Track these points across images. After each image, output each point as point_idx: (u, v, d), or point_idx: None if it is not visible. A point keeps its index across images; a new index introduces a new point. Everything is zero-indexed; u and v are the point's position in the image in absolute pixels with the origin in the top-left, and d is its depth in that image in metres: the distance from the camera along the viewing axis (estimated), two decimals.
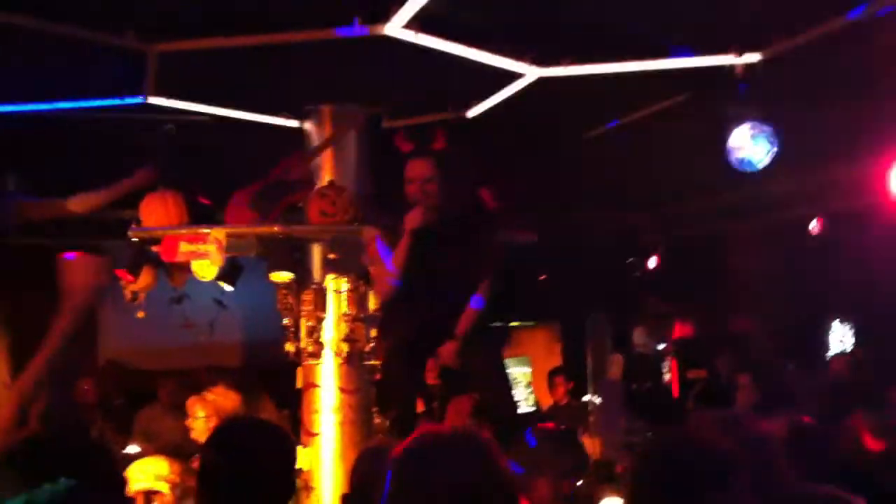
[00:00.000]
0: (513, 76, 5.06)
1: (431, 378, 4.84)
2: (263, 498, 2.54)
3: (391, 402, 4.58)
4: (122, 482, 2.17)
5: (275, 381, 7.57)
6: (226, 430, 2.79)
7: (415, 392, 4.68)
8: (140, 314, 5.54)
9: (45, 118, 5.59)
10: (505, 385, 4.78)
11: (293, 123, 5.81)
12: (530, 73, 4.97)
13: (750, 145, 4.70)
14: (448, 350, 4.49)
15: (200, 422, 5.28)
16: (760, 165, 4.77)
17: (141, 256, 5.29)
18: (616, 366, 5.97)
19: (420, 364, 4.65)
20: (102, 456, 2.06)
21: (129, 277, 5.28)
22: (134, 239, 5.28)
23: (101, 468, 2.00)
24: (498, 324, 4.79)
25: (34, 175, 7.12)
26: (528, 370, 9.19)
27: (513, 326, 10.17)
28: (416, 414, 4.57)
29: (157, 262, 5.40)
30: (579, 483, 4.30)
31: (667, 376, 8.45)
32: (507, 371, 4.79)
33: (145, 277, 5.42)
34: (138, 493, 3.93)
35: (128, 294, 5.49)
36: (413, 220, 4.38)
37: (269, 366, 7.48)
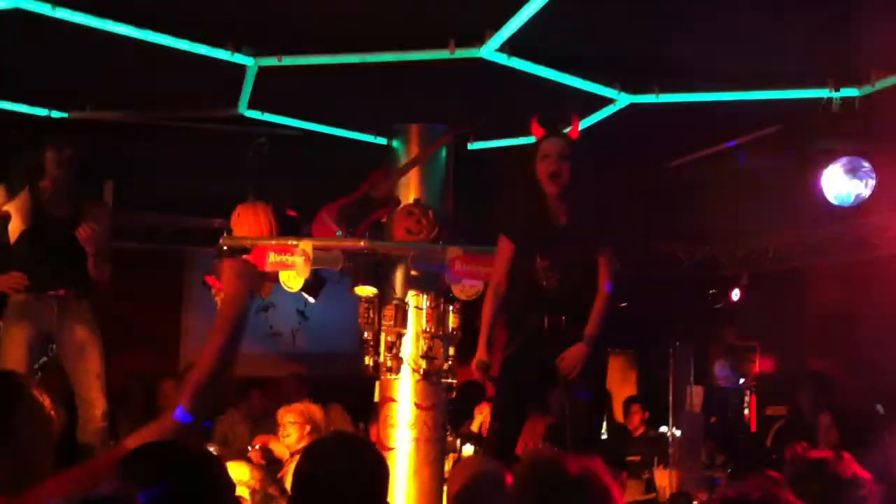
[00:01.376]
0: (603, 101, 5.07)
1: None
2: None
3: (495, 418, 4.47)
4: (232, 487, 2.20)
5: (350, 394, 7.70)
6: (323, 444, 2.80)
7: (523, 411, 4.54)
8: None
9: (141, 126, 5.78)
10: (600, 413, 4.67)
11: (382, 141, 5.90)
12: (621, 98, 4.98)
13: (845, 181, 4.63)
14: (574, 354, 4.23)
15: (294, 428, 5.41)
16: (855, 202, 4.69)
17: None
18: (696, 398, 5.89)
19: (532, 381, 4.44)
20: (213, 462, 2.12)
21: (220, 285, 5.41)
22: (224, 247, 5.41)
23: (214, 474, 2.05)
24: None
25: (131, 183, 7.40)
26: None
27: None
28: (517, 434, 4.46)
29: None
30: None
31: (746, 411, 8.30)
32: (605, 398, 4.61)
33: None
34: None
35: (218, 301, 5.61)
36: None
37: (346, 378, 7.62)
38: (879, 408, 6.67)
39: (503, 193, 4.83)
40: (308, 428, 5.28)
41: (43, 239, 4.97)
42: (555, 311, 4.29)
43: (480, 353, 4.32)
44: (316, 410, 5.47)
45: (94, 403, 5.04)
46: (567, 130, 4.38)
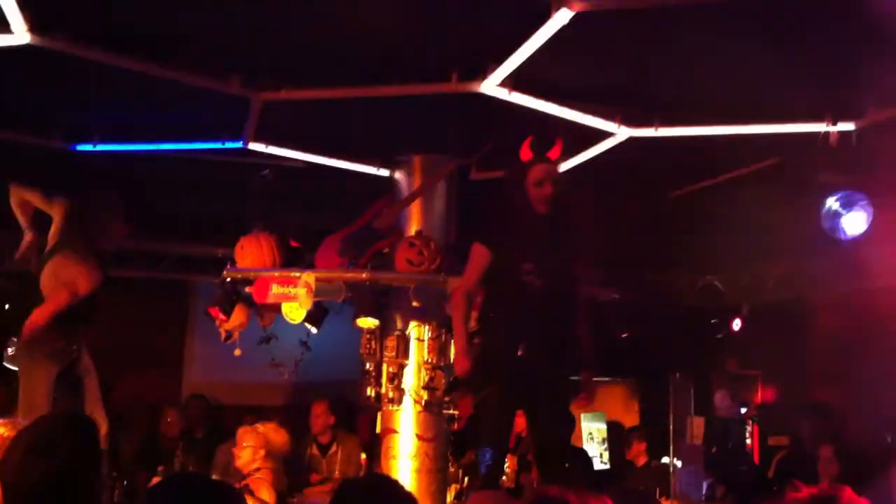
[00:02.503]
0: (603, 135, 5.12)
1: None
2: None
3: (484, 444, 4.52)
4: None
5: (352, 424, 7.70)
6: (354, 485, 2.79)
7: (508, 437, 4.61)
8: (237, 352, 5.68)
9: (147, 157, 5.83)
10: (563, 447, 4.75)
11: (384, 172, 5.95)
12: (620, 132, 5.02)
13: (843, 213, 4.66)
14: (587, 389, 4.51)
15: (248, 451, 5.34)
16: (853, 233, 4.72)
17: (232, 296, 5.45)
18: (697, 428, 5.88)
19: (517, 407, 4.59)
20: (229, 493, 2.16)
21: (223, 316, 5.44)
22: (227, 279, 5.45)
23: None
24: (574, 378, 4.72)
25: (134, 212, 7.44)
26: (603, 426, 9.10)
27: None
28: (504, 462, 4.53)
29: (248, 302, 5.56)
30: None
31: (748, 441, 8.27)
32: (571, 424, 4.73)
33: (238, 316, 5.58)
34: None
35: (223, 333, 5.65)
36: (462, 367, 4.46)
37: (347, 408, 7.63)
38: (889, 438, 6.65)
39: (486, 208, 4.93)
40: (262, 452, 5.20)
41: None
42: (542, 311, 4.37)
43: (464, 363, 4.39)
44: (276, 435, 5.37)
45: (100, 420, 5.06)
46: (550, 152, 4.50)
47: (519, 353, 4.32)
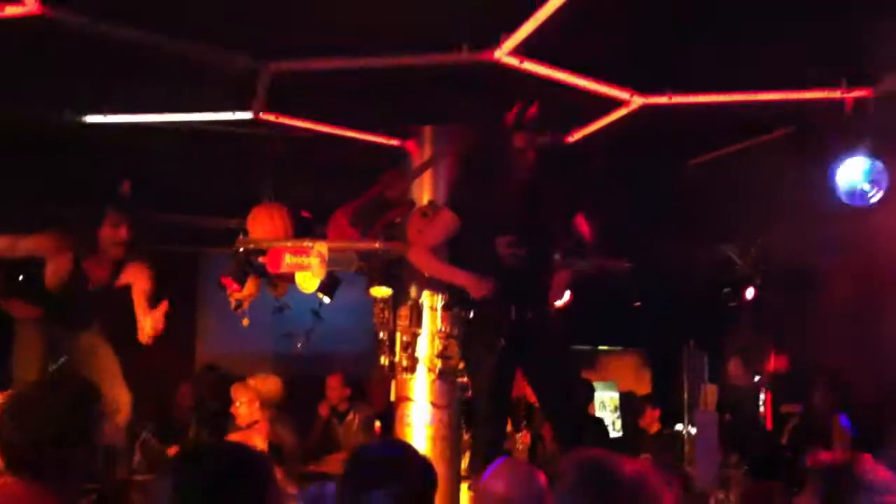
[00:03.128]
0: (616, 103, 5.09)
1: None
2: None
3: (481, 424, 4.60)
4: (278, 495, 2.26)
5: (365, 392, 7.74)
6: (366, 450, 2.79)
7: (506, 408, 4.68)
8: (245, 322, 5.72)
9: (158, 128, 5.83)
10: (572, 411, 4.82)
11: (395, 142, 5.93)
12: (633, 101, 4.99)
13: (858, 180, 4.64)
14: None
15: (244, 407, 5.39)
16: (868, 201, 4.70)
17: (246, 266, 5.46)
18: (710, 396, 5.90)
19: (511, 376, 4.64)
20: (251, 458, 2.17)
21: (236, 286, 5.46)
22: (240, 249, 5.45)
23: (262, 475, 2.11)
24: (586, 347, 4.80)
25: (147, 184, 7.45)
26: (615, 395, 9.14)
27: (601, 350, 10.13)
28: (504, 437, 4.59)
29: (260, 273, 5.58)
30: None
31: (761, 409, 8.30)
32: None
33: (250, 287, 5.60)
34: None
35: (233, 302, 5.67)
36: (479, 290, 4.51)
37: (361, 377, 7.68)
38: None
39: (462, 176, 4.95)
40: (256, 404, 5.27)
41: (74, 303, 5.23)
42: (521, 291, 4.39)
43: (481, 284, 4.45)
44: (266, 384, 5.42)
45: (116, 399, 5.15)
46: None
47: (512, 318, 4.38)
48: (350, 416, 7.53)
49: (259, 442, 5.07)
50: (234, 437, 5.15)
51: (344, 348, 8.21)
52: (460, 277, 4.61)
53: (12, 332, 5.41)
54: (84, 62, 4.82)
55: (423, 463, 2.72)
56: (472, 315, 4.63)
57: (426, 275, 5.15)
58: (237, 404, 5.38)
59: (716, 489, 5.63)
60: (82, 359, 5.19)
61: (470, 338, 4.76)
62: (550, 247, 4.65)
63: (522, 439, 6.70)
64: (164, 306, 5.09)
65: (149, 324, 5.08)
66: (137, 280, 5.23)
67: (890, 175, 4.65)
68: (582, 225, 5.01)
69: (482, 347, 4.56)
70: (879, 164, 4.62)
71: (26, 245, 5.25)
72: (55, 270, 5.22)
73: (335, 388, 7.51)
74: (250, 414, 5.26)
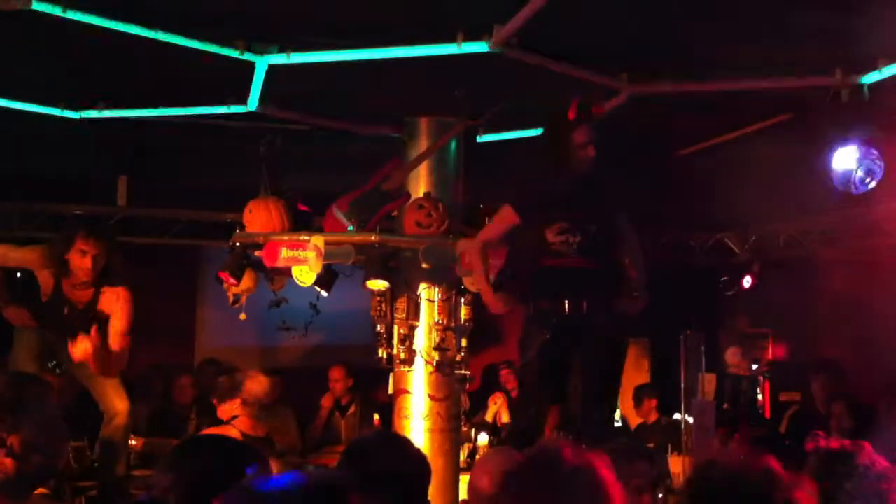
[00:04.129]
0: (609, 93, 5.08)
1: None
2: None
3: (520, 413, 4.61)
4: None
5: (364, 385, 7.76)
6: (365, 443, 2.79)
7: (547, 405, 4.67)
8: (242, 316, 5.73)
9: (154, 122, 5.83)
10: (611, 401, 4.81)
11: (392, 134, 5.92)
12: (627, 90, 4.98)
13: (853, 168, 4.63)
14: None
15: (226, 402, 5.42)
16: (864, 189, 4.69)
17: (243, 260, 5.46)
18: (708, 385, 5.91)
19: (559, 373, 4.60)
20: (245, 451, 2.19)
21: (232, 280, 5.46)
22: (237, 243, 5.45)
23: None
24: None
25: (144, 178, 7.46)
26: None
27: None
28: (541, 429, 4.58)
29: (258, 267, 5.58)
30: (660, 496, 4.27)
31: (760, 397, 8.31)
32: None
33: (247, 281, 5.61)
34: None
35: (230, 296, 5.68)
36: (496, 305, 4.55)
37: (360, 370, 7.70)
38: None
39: (522, 167, 4.92)
40: (237, 402, 5.29)
41: (57, 319, 5.24)
42: (574, 280, 4.39)
43: (497, 300, 4.52)
44: (252, 383, 5.43)
45: (114, 401, 5.17)
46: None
47: (567, 311, 4.37)
48: (352, 409, 7.55)
49: (234, 435, 5.11)
50: (210, 430, 5.19)
51: (345, 340, 8.24)
52: (486, 293, 4.66)
53: (9, 331, 5.44)
54: (78, 55, 4.81)
55: (416, 456, 2.73)
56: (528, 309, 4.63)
57: (462, 269, 5.14)
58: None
59: None
60: (80, 365, 5.19)
61: (525, 331, 4.73)
62: (608, 242, 4.60)
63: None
64: (94, 332, 5.04)
65: (80, 348, 5.03)
66: (112, 311, 5.22)
67: (885, 162, 4.64)
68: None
69: (532, 340, 4.56)
70: (874, 152, 4.61)
71: (16, 256, 5.30)
72: (42, 285, 5.28)
73: (338, 379, 7.53)
74: (231, 409, 5.29)
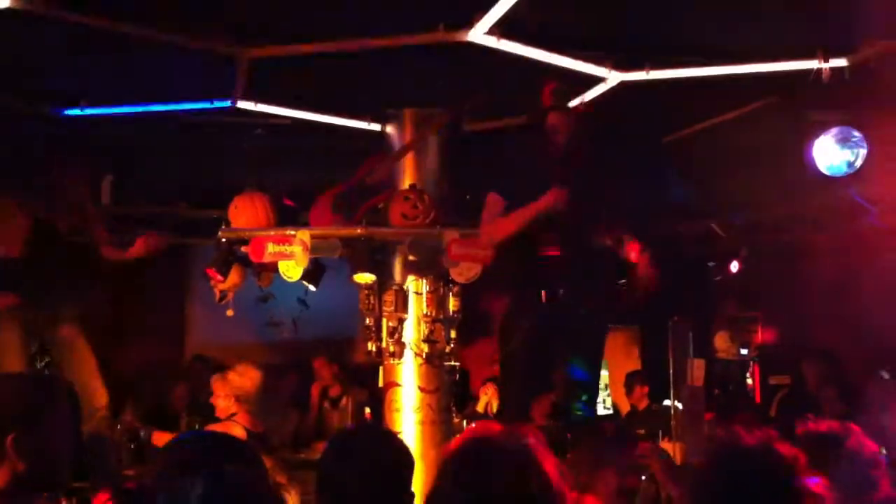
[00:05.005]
0: (594, 80, 5.08)
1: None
2: None
3: (505, 405, 4.61)
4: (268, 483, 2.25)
5: (354, 379, 7.77)
6: (347, 436, 2.78)
7: (531, 396, 4.67)
8: (229, 312, 5.70)
9: (137, 120, 5.80)
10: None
11: (375, 127, 5.91)
12: (612, 77, 4.98)
13: (837, 151, 4.64)
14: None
15: (221, 400, 5.41)
16: (847, 171, 4.70)
17: (229, 256, 5.44)
18: (698, 371, 5.92)
19: (544, 364, 4.62)
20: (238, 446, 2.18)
21: (219, 277, 5.44)
22: (223, 240, 5.43)
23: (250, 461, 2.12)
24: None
25: (129, 177, 7.41)
26: (604, 372, 9.15)
27: None
28: (528, 418, 4.58)
29: (245, 262, 5.56)
30: (643, 478, 4.30)
31: (749, 382, 8.34)
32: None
33: (234, 277, 5.58)
34: None
35: (217, 293, 5.66)
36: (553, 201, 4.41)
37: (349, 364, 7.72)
38: (884, 374, 6.70)
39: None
40: (233, 399, 5.30)
41: (44, 256, 5.08)
42: (556, 278, 4.38)
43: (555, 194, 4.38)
44: (244, 379, 5.42)
45: (95, 394, 5.14)
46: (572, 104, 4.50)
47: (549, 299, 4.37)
48: (343, 402, 7.57)
49: (238, 432, 5.08)
50: (213, 427, 5.17)
51: (334, 334, 8.24)
52: (537, 205, 4.45)
53: None
54: (58, 53, 4.78)
55: (399, 448, 2.74)
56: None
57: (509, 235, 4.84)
58: (216, 396, 5.43)
59: None
60: (61, 353, 5.16)
61: (505, 321, 4.73)
62: (586, 230, 4.58)
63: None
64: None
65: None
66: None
67: (868, 144, 4.65)
68: (632, 251, 4.91)
69: (513, 330, 4.56)
70: (857, 134, 4.61)
71: None
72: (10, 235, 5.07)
73: (322, 366, 7.60)
74: (228, 407, 5.28)
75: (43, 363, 5.34)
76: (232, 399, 5.28)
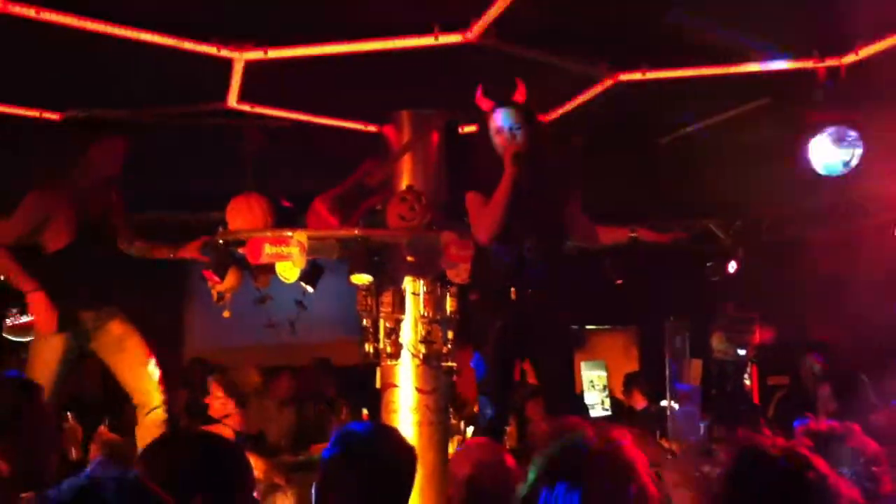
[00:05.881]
0: (591, 80, 5.08)
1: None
2: None
3: (485, 404, 4.57)
4: (252, 482, 2.23)
5: (352, 380, 7.76)
6: (352, 433, 2.78)
7: (508, 392, 4.66)
8: (226, 314, 5.70)
9: (131, 124, 5.79)
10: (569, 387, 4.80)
11: (373, 129, 5.91)
12: (608, 77, 4.98)
13: (833, 150, 4.64)
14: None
15: (217, 401, 5.40)
16: (843, 171, 4.71)
17: (227, 258, 5.44)
18: (695, 371, 5.92)
19: (514, 360, 4.61)
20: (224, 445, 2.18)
21: (216, 279, 5.44)
22: (220, 241, 5.43)
23: (234, 467, 2.11)
24: (574, 327, 4.76)
25: (127, 181, 7.39)
26: (603, 374, 9.16)
27: (589, 330, 10.16)
28: (507, 416, 4.57)
29: (242, 264, 5.56)
30: None
31: (747, 382, 8.34)
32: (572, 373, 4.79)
33: (231, 279, 5.58)
34: None
35: (214, 294, 5.66)
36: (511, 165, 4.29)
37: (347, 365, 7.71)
38: (864, 378, 6.69)
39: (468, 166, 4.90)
40: (231, 401, 5.29)
41: (86, 247, 4.94)
42: (527, 280, 4.37)
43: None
44: (246, 380, 5.43)
45: (152, 394, 4.96)
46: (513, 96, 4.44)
47: (513, 296, 4.35)
48: (342, 407, 7.58)
49: (227, 434, 5.09)
50: (205, 428, 5.17)
51: (333, 335, 8.24)
52: (504, 179, 4.31)
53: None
54: (51, 57, 4.78)
55: (405, 448, 2.73)
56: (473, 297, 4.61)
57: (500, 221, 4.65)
58: (212, 397, 5.43)
59: (701, 462, 5.65)
60: (110, 351, 4.98)
61: (473, 319, 4.72)
62: (551, 230, 4.55)
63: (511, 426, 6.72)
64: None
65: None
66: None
67: (864, 144, 4.65)
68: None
69: (482, 328, 4.55)
70: (853, 133, 4.62)
71: (24, 216, 4.90)
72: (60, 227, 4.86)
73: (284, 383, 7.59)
74: (223, 408, 5.29)
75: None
76: (228, 400, 5.29)
